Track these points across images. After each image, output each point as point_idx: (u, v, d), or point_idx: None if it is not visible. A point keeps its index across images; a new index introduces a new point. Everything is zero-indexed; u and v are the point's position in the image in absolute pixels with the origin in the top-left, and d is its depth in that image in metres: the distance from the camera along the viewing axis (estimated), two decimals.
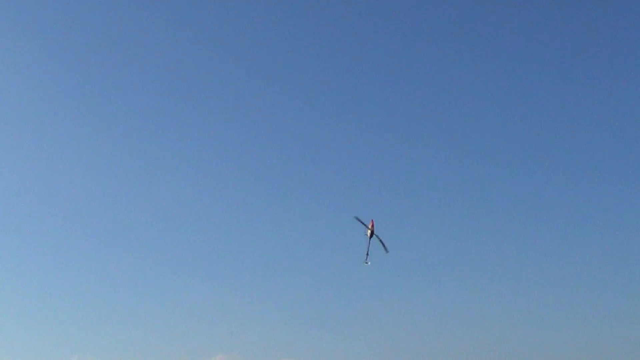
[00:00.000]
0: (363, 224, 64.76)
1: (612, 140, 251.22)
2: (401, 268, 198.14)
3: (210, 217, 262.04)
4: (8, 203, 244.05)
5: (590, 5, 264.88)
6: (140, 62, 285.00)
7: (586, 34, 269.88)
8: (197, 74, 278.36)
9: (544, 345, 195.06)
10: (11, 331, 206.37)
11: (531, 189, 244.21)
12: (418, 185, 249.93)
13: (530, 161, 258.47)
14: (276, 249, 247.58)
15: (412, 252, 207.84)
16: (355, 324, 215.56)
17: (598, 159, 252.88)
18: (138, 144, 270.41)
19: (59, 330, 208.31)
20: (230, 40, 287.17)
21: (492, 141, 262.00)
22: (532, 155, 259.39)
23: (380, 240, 64.04)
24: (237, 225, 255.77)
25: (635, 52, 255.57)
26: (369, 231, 64.41)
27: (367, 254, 63.92)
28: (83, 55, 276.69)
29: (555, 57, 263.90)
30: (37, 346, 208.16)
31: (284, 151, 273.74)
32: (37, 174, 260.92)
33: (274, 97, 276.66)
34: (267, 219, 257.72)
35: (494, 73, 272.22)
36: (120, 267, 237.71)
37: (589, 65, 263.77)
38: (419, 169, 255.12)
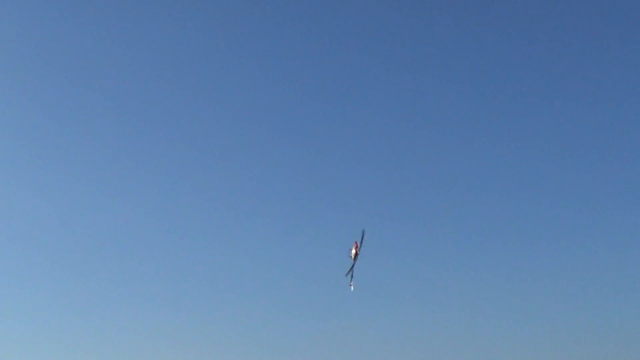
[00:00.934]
0: (356, 250, 60.61)
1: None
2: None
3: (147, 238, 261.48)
4: None
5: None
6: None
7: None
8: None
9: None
10: None
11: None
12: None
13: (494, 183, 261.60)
14: (229, 268, 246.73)
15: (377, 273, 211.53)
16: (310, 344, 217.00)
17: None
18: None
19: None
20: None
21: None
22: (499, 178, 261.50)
23: (352, 272, 60.46)
24: (188, 248, 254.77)
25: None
26: (353, 252, 60.38)
27: (352, 276, 60.14)
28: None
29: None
30: None
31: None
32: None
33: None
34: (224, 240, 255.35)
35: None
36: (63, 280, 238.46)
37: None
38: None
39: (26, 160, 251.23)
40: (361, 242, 59.98)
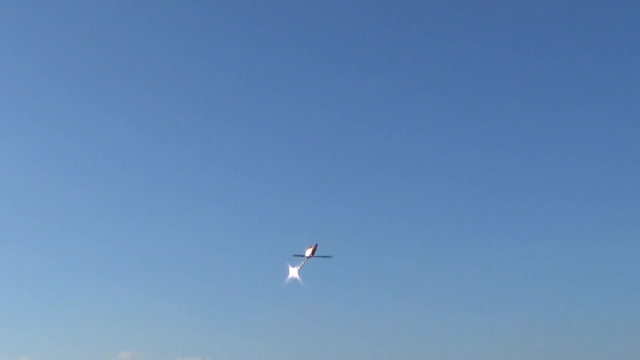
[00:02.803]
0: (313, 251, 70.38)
1: None
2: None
3: (121, 218, 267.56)
4: None
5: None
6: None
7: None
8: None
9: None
10: None
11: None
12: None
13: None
14: (186, 250, 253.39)
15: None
16: (261, 325, 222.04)
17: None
18: None
19: None
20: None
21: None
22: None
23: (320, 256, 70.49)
24: (147, 226, 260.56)
25: None
26: (310, 251, 69.31)
27: (299, 270, 68.88)
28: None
29: None
30: None
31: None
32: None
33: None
34: (180, 221, 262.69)
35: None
36: (31, 266, 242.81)
37: None
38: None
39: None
40: (315, 251, 70.51)
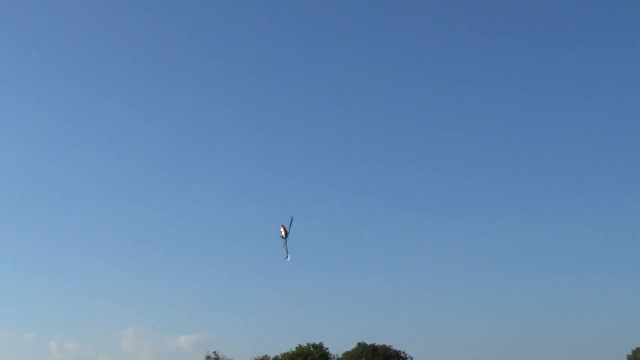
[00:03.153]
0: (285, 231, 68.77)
1: None
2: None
3: (122, 195, 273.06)
4: None
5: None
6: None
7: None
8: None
9: None
10: None
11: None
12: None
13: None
14: (188, 227, 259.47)
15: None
16: (264, 302, 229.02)
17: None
18: None
19: None
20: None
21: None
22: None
23: (286, 247, 68.80)
24: (148, 203, 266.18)
25: None
26: (283, 232, 68.35)
27: (287, 251, 68.06)
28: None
29: None
30: None
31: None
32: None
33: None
34: (181, 197, 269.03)
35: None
36: (35, 243, 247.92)
37: None
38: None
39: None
40: (290, 226, 68.44)
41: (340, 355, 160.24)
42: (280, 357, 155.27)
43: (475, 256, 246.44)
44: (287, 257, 68.90)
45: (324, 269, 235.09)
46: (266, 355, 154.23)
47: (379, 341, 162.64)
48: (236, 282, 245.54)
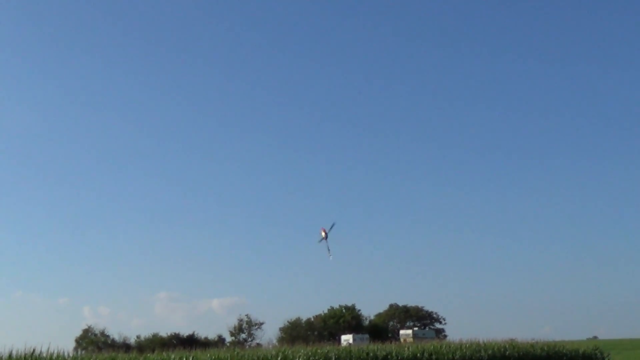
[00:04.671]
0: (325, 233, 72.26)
1: None
2: None
3: (162, 157, 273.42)
4: None
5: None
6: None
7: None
8: None
9: None
10: None
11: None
12: None
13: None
14: (219, 194, 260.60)
15: None
16: (296, 265, 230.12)
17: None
18: None
19: None
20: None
21: None
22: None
23: (327, 247, 71.77)
24: (185, 163, 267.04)
25: None
26: (323, 234, 71.97)
27: (329, 250, 71.33)
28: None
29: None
30: None
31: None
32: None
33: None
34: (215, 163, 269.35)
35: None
36: (71, 211, 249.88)
37: None
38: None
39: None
40: (330, 229, 71.66)
41: (372, 317, 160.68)
42: (312, 319, 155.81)
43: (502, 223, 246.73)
44: (330, 256, 71.87)
45: (357, 233, 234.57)
46: (298, 318, 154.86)
47: (411, 303, 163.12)
48: (268, 245, 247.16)
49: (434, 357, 56.11)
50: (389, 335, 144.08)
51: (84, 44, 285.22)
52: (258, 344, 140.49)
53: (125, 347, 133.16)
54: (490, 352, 60.48)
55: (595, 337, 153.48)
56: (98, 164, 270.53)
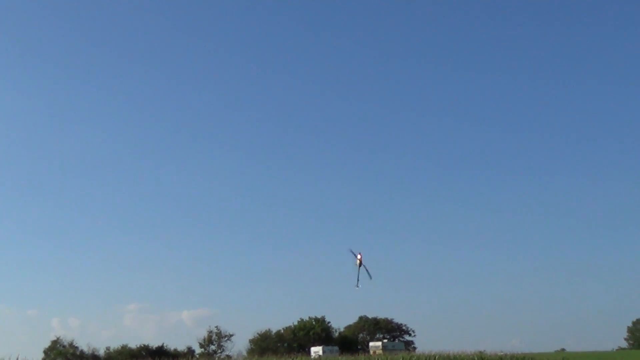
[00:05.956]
0: (354, 254, 70.86)
1: None
2: None
3: (133, 168, 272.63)
4: None
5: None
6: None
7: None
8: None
9: None
10: None
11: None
12: None
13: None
14: (192, 204, 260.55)
15: None
16: (268, 277, 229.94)
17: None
18: None
19: None
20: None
21: None
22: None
23: (366, 270, 69.91)
24: (156, 174, 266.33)
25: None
26: (358, 261, 69.90)
27: (358, 279, 69.84)
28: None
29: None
30: None
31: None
32: None
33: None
34: (185, 171, 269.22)
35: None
36: (41, 220, 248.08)
37: None
38: None
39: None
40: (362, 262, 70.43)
41: (342, 329, 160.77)
42: (282, 331, 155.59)
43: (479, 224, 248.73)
44: (358, 285, 70.78)
45: (327, 245, 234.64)
46: (268, 329, 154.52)
47: (381, 315, 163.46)
48: (238, 258, 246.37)
49: None
50: (359, 347, 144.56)
51: (43, 51, 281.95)
52: (228, 355, 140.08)
53: (94, 358, 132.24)
54: None
55: (563, 350, 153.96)
56: (67, 176, 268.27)
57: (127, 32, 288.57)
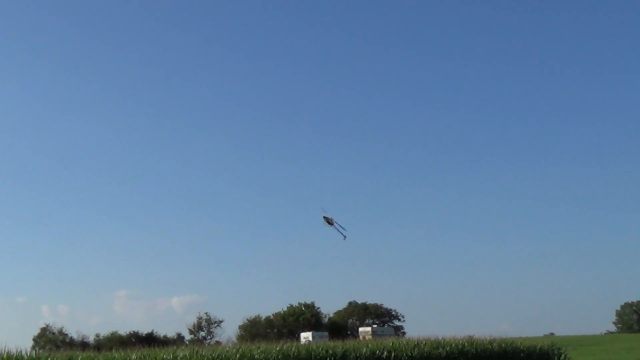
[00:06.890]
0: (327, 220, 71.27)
1: None
2: None
3: (121, 155, 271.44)
4: None
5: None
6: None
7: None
8: None
9: None
10: None
11: None
12: None
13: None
14: (182, 190, 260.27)
15: None
16: (258, 264, 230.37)
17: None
18: None
19: None
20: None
21: None
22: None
23: (338, 229, 71.02)
24: (147, 163, 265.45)
25: None
26: (326, 221, 70.93)
27: (341, 234, 70.96)
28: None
29: None
30: None
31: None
32: None
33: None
34: (179, 160, 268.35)
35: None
36: (30, 207, 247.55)
37: None
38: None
39: None
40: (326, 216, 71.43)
41: (331, 314, 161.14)
42: (272, 317, 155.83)
43: (471, 214, 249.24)
44: (344, 237, 71.05)
45: (316, 230, 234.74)
46: (258, 315, 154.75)
47: (370, 300, 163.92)
48: (227, 244, 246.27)
49: (392, 354, 56.29)
50: (348, 332, 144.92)
51: (39, 43, 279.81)
52: (217, 342, 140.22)
53: (83, 345, 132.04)
54: (448, 348, 60.80)
55: (551, 334, 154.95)
56: (54, 165, 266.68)
57: (121, 23, 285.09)
